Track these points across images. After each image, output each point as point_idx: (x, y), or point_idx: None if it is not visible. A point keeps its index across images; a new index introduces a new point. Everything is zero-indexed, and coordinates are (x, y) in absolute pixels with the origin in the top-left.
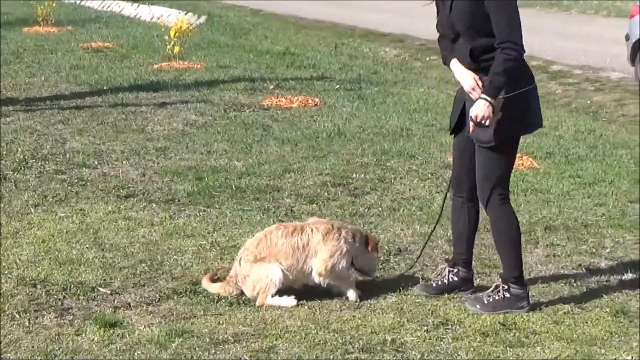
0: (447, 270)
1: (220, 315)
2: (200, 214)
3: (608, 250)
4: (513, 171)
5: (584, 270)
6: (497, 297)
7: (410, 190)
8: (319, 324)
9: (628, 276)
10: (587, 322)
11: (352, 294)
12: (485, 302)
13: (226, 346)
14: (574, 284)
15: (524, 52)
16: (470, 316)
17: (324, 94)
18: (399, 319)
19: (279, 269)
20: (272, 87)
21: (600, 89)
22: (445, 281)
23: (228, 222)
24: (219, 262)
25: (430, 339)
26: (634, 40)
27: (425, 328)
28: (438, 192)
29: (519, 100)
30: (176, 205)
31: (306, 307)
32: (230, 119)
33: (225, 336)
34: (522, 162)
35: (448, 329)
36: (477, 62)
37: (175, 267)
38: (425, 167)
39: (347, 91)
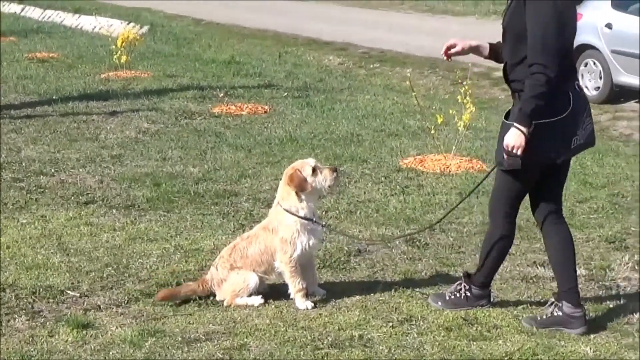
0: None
1: (190, 315)
2: (161, 218)
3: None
4: (464, 173)
5: (539, 267)
6: (549, 315)
7: (365, 193)
8: (287, 321)
9: (581, 272)
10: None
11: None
12: (539, 318)
13: (198, 344)
14: (530, 280)
15: (553, 75)
16: (433, 312)
17: (273, 102)
18: (364, 316)
19: (256, 277)
20: (221, 95)
21: None
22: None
23: (189, 226)
24: (185, 264)
25: (396, 334)
26: (576, 46)
27: (390, 324)
28: (392, 195)
29: (540, 130)
30: (136, 211)
31: (273, 306)
32: (182, 126)
33: (197, 335)
34: (472, 165)
35: (413, 324)
36: (508, 82)
37: (141, 270)
38: (378, 171)
39: (295, 98)
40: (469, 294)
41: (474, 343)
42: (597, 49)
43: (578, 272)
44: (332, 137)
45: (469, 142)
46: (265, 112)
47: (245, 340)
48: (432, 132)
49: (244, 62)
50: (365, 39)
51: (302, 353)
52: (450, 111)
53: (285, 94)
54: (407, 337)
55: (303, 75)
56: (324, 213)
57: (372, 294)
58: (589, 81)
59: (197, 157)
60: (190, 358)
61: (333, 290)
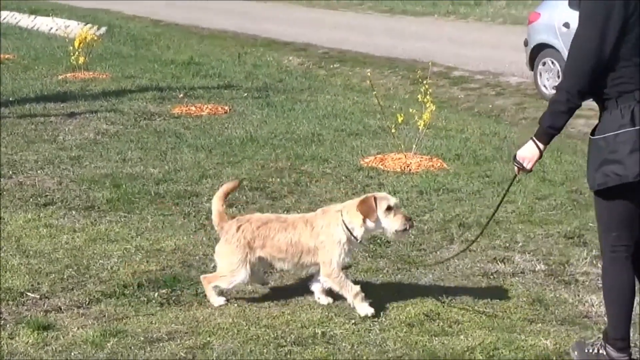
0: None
1: (152, 315)
2: (122, 219)
3: (520, 244)
4: (424, 172)
5: (499, 263)
6: (592, 351)
7: (326, 192)
8: (250, 320)
9: (540, 267)
10: (506, 311)
11: None
12: (586, 350)
13: (161, 344)
14: (491, 277)
15: (579, 101)
16: (395, 308)
17: (233, 102)
18: (327, 313)
19: (245, 276)
20: (181, 95)
21: (501, 93)
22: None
23: (150, 227)
24: (146, 264)
25: (358, 331)
26: (532, 46)
27: (353, 321)
28: (354, 194)
29: (608, 145)
30: (96, 212)
31: (235, 305)
32: (141, 127)
33: (159, 335)
34: (432, 163)
35: (375, 321)
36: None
37: (102, 271)
38: (339, 170)
39: (255, 99)
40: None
41: (436, 338)
42: (555, 48)
43: (537, 267)
44: (293, 137)
45: (429, 140)
46: (226, 112)
47: (208, 339)
48: (393, 131)
49: (203, 63)
50: (325, 40)
51: (265, 351)
52: (411, 110)
53: (245, 94)
54: (370, 334)
55: (263, 75)
56: (285, 213)
57: (334, 292)
58: (547, 80)
59: (157, 158)
60: (152, 358)
61: (296, 288)
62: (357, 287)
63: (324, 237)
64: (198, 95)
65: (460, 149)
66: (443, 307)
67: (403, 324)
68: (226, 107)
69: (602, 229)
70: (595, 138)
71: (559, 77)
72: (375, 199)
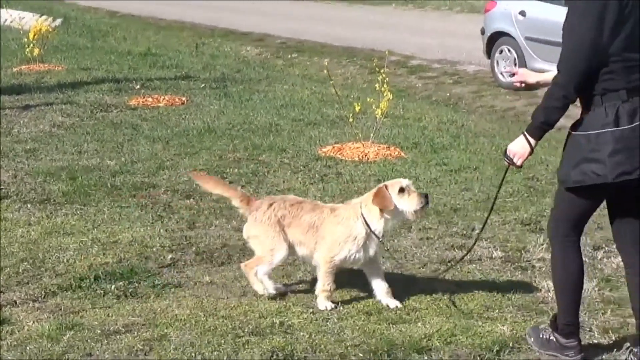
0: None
1: (109, 307)
2: (78, 212)
3: (477, 231)
4: (382, 161)
5: (457, 250)
6: (545, 337)
7: (284, 182)
8: (208, 311)
9: (498, 254)
10: (463, 298)
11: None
12: (540, 336)
13: (118, 336)
14: (449, 264)
15: (574, 97)
16: (353, 297)
17: (190, 93)
18: (284, 303)
19: (285, 251)
20: (137, 87)
21: (458, 81)
22: None
23: (107, 219)
24: (102, 257)
25: (316, 320)
26: (489, 34)
27: (310, 310)
28: (312, 183)
29: (589, 143)
30: (52, 205)
31: (193, 296)
32: (98, 119)
33: (116, 327)
34: (390, 152)
35: (333, 310)
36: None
37: (58, 264)
38: (297, 160)
39: (213, 89)
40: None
41: (394, 326)
42: (511, 36)
43: (495, 254)
44: (251, 127)
45: (387, 129)
46: (183, 103)
47: (166, 331)
48: (350, 120)
49: (160, 54)
50: (282, 30)
51: (222, 342)
52: (368, 99)
53: (203, 85)
54: (328, 323)
55: (220, 66)
56: None
57: (292, 281)
58: (504, 68)
59: (114, 149)
60: (109, 350)
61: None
62: (332, 286)
63: (341, 227)
64: (155, 86)
65: (417, 138)
66: (401, 294)
67: (361, 313)
68: (183, 98)
69: (558, 217)
70: (576, 134)
71: (515, 64)
72: (386, 187)
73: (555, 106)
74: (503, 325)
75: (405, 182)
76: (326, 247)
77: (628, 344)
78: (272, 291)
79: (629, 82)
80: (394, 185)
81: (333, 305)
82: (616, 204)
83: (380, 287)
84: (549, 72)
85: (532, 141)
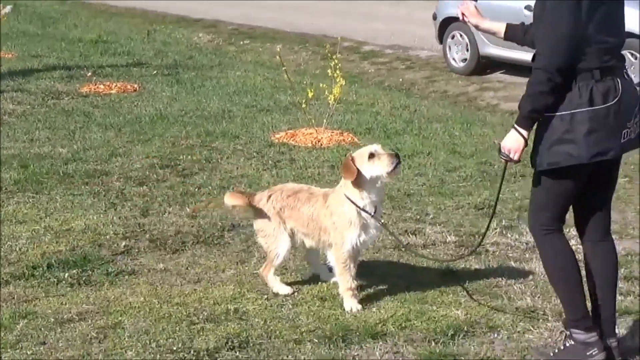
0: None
1: (63, 295)
2: (30, 200)
3: (431, 216)
4: (335, 146)
5: (410, 235)
6: (561, 347)
7: (237, 169)
8: (162, 298)
9: (451, 238)
10: (418, 283)
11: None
12: (552, 354)
13: (72, 324)
14: (403, 249)
15: (559, 79)
16: (307, 283)
17: (142, 80)
18: (239, 289)
19: (287, 243)
20: (89, 74)
21: (410, 67)
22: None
23: (59, 207)
24: (55, 245)
25: (271, 306)
26: (441, 19)
27: (265, 297)
28: (265, 170)
29: (564, 123)
30: (4, 193)
31: (147, 283)
32: (49, 107)
33: (70, 315)
34: (343, 138)
35: (288, 296)
36: None
37: (10, 252)
38: (250, 146)
39: (165, 76)
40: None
41: (349, 312)
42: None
43: (449, 238)
44: (204, 114)
45: (340, 115)
46: (135, 90)
47: (120, 318)
48: (303, 106)
49: (111, 41)
50: (234, 16)
51: (177, 329)
52: (321, 85)
53: (155, 72)
54: (282, 309)
55: (172, 53)
56: (196, 190)
57: (246, 268)
58: (456, 53)
59: (66, 137)
60: (63, 338)
61: (207, 265)
62: (354, 283)
63: (336, 217)
64: (107, 73)
65: (370, 123)
66: (356, 280)
67: (316, 298)
68: (135, 85)
69: (535, 208)
70: (548, 115)
71: (467, 49)
72: (352, 158)
73: (542, 91)
74: (457, 310)
75: (373, 147)
76: (334, 244)
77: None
78: (286, 291)
79: (602, 62)
80: (362, 153)
81: (359, 307)
82: (585, 188)
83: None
84: (497, 23)
85: (524, 132)
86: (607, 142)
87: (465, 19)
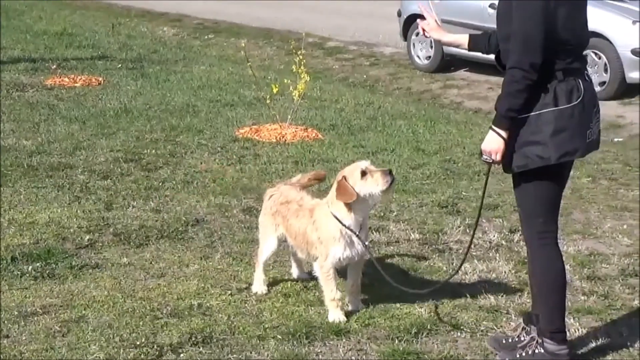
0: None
1: (26, 289)
2: None
3: (395, 213)
4: (299, 142)
5: (374, 232)
6: (530, 352)
7: (201, 163)
8: (126, 292)
9: (415, 236)
10: (382, 281)
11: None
12: (518, 356)
13: (35, 318)
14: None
15: (534, 75)
16: (271, 279)
17: (107, 73)
18: (203, 285)
19: (273, 245)
20: (54, 67)
21: (375, 63)
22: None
23: (23, 200)
24: (19, 237)
25: (235, 302)
26: (405, 16)
27: (229, 292)
28: (229, 165)
29: (529, 125)
30: None
31: (111, 277)
32: (13, 99)
33: (34, 309)
34: (307, 134)
35: (252, 292)
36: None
37: None
38: (214, 141)
39: (130, 70)
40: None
41: (312, 308)
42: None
43: (412, 236)
44: (168, 108)
45: (304, 111)
46: (100, 83)
47: (83, 312)
48: (268, 101)
49: (76, 34)
50: (199, 10)
51: (141, 323)
52: (285, 81)
53: (120, 65)
54: (246, 305)
55: (137, 46)
56: (160, 184)
57: (210, 263)
58: (421, 51)
59: (30, 129)
60: (26, 332)
61: (171, 260)
62: (338, 294)
63: (320, 232)
64: (71, 66)
65: (335, 119)
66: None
67: (279, 294)
68: (100, 79)
69: (526, 215)
70: (516, 117)
71: (431, 47)
72: (345, 177)
73: (518, 89)
74: (421, 308)
75: (363, 164)
76: (320, 254)
77: (522, 323)
78: (257, 290)
79: (566, 64)
80: (352, 172)
81: (344, 318)
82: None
83: (349, 283)
84: (459, 35)
85: (503, 133)
86: (573, 142)
87: (426, 34)
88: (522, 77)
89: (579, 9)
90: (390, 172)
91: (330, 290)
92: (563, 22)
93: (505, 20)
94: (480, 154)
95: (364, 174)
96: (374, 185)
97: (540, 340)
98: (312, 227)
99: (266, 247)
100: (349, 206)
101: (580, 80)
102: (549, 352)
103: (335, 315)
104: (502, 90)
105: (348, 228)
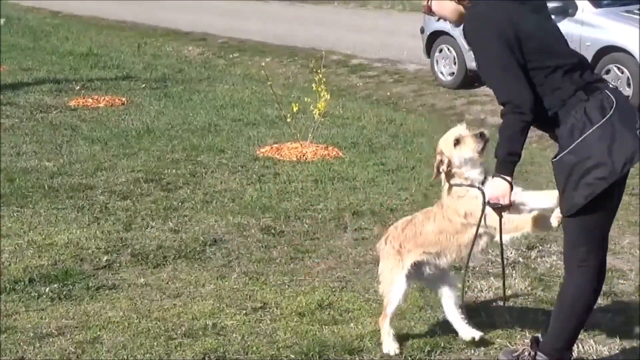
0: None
1: (43, 310)
2: (14, 214)
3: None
4: (320, 161)
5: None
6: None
7: (221, 183)
8: (141, 313)
9: None
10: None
11: None
12: None
13: (51, 339)
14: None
15: (527, 113)
16: (286, 298)
17: (130, 93)
18: (218, 304)
19: (404, 286)
20: (77, 87)
21: (399, 80)
22: None
23: (43, 221)
24: (38, 259)
25: (249, 321)
26: (428, 33)
27: (244, 312)
28: (249, 184)
29: (577, 155)
30: None
31: (127, 298)
32: (37, 120)
33: (49, 330)
34: (328, 152)
35: (267, 311)
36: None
37: None
38: (235, 160)
39: (153, 90)
40: None
41: (326, 327)
42: (450, 35)
43: None
44: (190, 127)
45: (326, 129)
46: (123, 104)
47: (99, 333)
48: (289, 120)
49: (102, 54)
50: (224, 29)
51: (155, 344)
52: (306, 99)
53: (144, 85)
54: (261, 324)
55: (162, 66)
56: (180, 204)
57: (226, 283)
58: (444, 67)
59: (52, 151)
60: (41, 353)
61: (188, 280)
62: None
63: (462, 203)
64: (95, 87)
65: (356, 137)
66: (334, 295)
67: (294, 314)
68: (123, 99)
69: (570, 245)
70: (561, 156)
71: (455, 63)
72: (441, 151)
73: (513, 133)
74: (435, 326)
75: (457, 130)
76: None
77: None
78: (392, 351)
79: (577, 83)
80: (447, 140)
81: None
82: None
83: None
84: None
85: (508, 178)
86: (626, 149)
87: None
88: (515, 121)
89: (549, 29)
90: (481, 134)
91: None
92: (541, 46)
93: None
94: (488, 203)
95: (457, 142)
96: (468, 150)
97: (533, 353)
98: (450, 211)
99: (394, 292)
100: (461, 174)
101: (607, 91)
102: None
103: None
104: (499, 136)
105: (472, 185)
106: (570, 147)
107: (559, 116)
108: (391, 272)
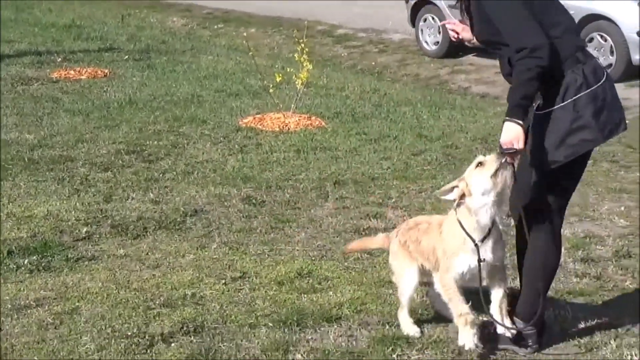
0: None
1: (21, 282)
2: None
3: (393, 200)
4: (302, 131)
5: (372, 219)
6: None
7: (203, 154)
8: (120, 284)
9: None
10: (375, 267)
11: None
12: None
13: (29, 311)
14: (363, 233)
15: (544, 57)
16: (266, 268)
17: (113, 65)
18: (197, 274)
19: (415, 276)
20: (60, 59)
21: (383, 50)
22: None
23: (22, 194)
24: (17, 231)
25: (228, 291)
26: (413, 2)
27: (223, 281)
28: (231, 155)
29: (567, 113)
30: None
31: (107, 269)
32: (18, 93)
33: (27, 301)
34: (311, 122)
35: (245, 280)
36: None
37: None
38: (217, 131)
39: (136, 61)
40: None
41: (305, 295)
42: (434, 4)
43: None
44: (173, 99)
45: (309, 99)
46: (105, 75)
47: (77, 304)
48: (271, 90)
49: (85, 26)
50: (209, 0)
51: (133, 314)
52: (289, 70)
53: (127, 57)
54: (239, 293)
55: (145, 37)
56: (161, 175)
57: (206, 253)
58: (429, 36)
59: (33, 123)
60: (19, 325)
61: (167, 251)
62: (465, 308)
63: (447, 243)
64: (78, 58)
65: (339, 107)
66: (314, 264)
67: (273, 283)
68: (106, 71)
69: (545, 208)
70: (552, 110)
71: (439, 32)
72: (464, 178)
73: (530, 77)
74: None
75: (482, 157)
76: (441, 267)
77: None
78: (413, 332)
79: (575, 43)
80: (471, 165)
81: (475, 344)
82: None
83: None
84: None
85: (519, 121)
86: (613, 117)
87: (458, 36)
88: (531, 65)
89: None
90: (501, 152)
91: (458, 303)
92: (545, 5)
93: (484, 24)
94: (501, 148)
95: (479, 164)
96: (487, 170)
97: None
98: (440, 237)
99: (406, 282)
100: (470, 212)
101: (595, 59)
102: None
103: (469, 338)
104: (513, 81)
105: (469, 236)
106: (563, 103)
107: (555, 71)
108: (401, 264)
